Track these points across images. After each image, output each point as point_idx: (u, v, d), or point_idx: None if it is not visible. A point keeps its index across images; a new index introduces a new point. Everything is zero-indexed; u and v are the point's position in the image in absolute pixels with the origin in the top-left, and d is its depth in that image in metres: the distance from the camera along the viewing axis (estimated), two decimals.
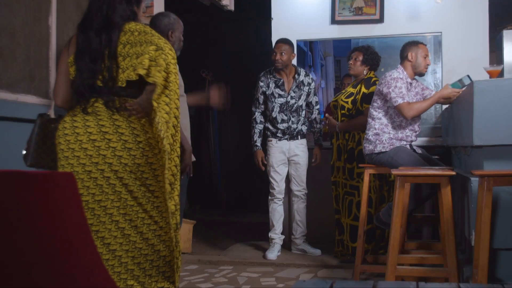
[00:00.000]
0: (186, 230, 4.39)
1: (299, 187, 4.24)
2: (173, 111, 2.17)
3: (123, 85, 2.18)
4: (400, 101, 3.31)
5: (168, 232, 2.22)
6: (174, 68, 2.19)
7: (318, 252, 4.16)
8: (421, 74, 3.55)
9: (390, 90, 3.35)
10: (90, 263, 1.62)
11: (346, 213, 3.95)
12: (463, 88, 3.21)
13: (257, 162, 4.25)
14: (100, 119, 2.20)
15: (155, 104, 2.12)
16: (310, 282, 1.70)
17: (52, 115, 2.65)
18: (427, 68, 3.53)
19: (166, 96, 2.14)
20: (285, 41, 4.18)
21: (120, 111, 2.19)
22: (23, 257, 1.37)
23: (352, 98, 3.99)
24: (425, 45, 3.57)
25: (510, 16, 4.50)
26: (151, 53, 2.15)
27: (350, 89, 4.06)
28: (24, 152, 2.31)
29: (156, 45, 2.17)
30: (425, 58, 3.49)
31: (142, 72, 2.14)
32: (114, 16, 2.23)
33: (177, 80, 2.20)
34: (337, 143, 4.04)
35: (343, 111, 4.02)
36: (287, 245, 4.37)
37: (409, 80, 3.47)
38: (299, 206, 4.24)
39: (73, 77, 2.24)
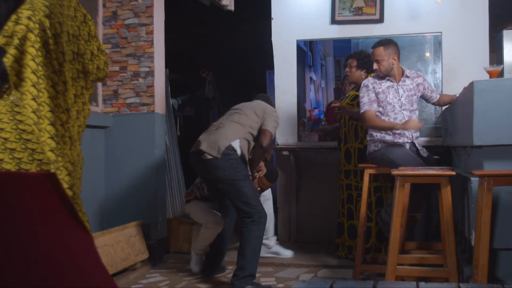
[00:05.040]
0: (186, 230, 4.39)
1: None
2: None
3: None
4: (362, 109, 3.49)
5: None
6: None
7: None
8: (381, 77, 3.53)
9: (360, 97, 3.54)
10: (90, 263, 1.62)
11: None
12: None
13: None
14: None
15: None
16: (310, 282, 1.70)
17: None
18: (379, 71, 3.49)
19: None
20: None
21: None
22: (22, 258, 1.37)
23: (357, 100, 3.97)
24: (377, 47, 3.50)
25: (510, 16, 4.51)
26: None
27: (353, 93, 4.03)
28: None
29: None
30: (374, 62, 3.50)
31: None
32: None
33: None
34: (345, 146, 4.00)
35: None
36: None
37: (379, 85, 3.49)
38: None
39: None
